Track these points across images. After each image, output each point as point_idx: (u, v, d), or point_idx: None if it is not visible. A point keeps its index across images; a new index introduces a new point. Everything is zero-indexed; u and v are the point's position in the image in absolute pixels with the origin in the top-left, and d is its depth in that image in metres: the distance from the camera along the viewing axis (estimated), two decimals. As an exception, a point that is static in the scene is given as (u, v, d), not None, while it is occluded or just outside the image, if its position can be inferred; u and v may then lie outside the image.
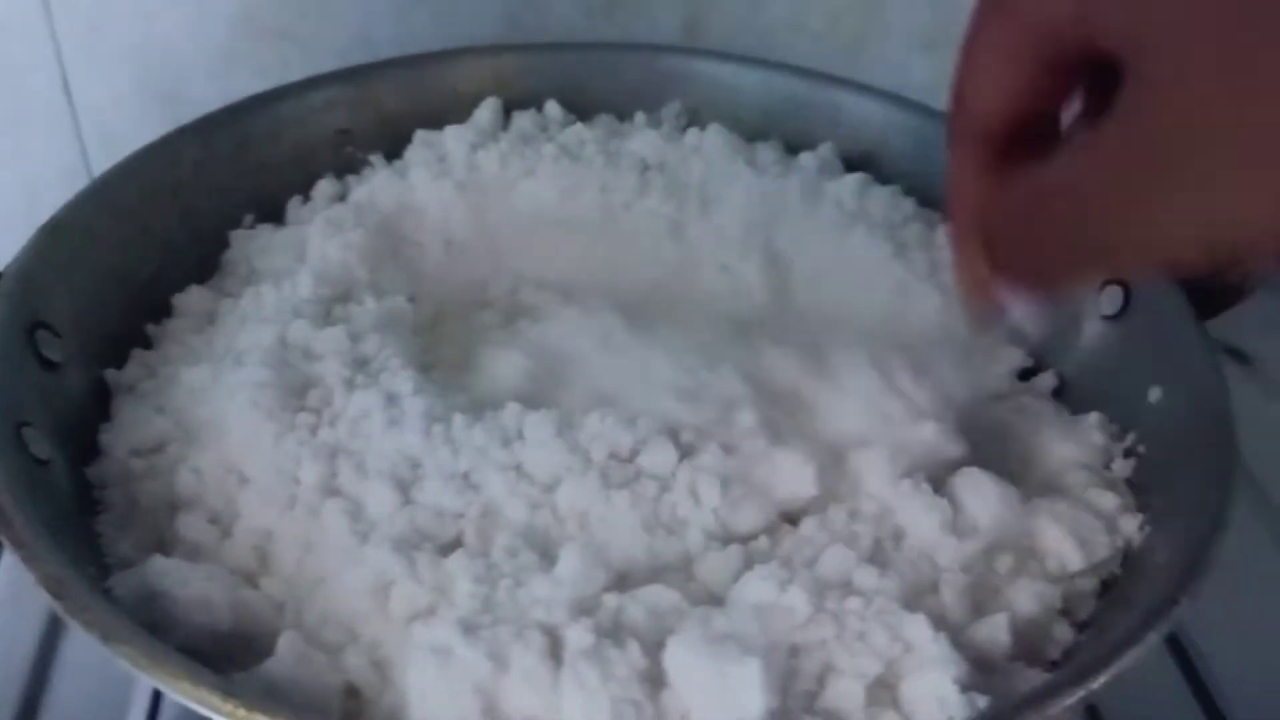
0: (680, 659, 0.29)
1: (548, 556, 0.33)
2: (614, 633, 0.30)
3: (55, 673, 0.47)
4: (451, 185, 0.50)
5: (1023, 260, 0.28)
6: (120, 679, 0.46)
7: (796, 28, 0.60)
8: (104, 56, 0.57)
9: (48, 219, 0.43)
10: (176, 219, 0.48)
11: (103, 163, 0.46)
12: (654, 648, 0.30)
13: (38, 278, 0.41)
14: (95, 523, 0.37)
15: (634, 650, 0.30)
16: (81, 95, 0.58)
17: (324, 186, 0.51)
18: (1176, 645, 0.45)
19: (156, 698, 0.46)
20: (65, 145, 0.59)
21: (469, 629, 0.30)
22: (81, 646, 0.48)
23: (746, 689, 0.29)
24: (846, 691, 0.30)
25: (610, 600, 0.31)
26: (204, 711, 0.27)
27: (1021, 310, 0.29)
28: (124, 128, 0.56)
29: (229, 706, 0.27)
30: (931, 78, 0.61)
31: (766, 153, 0.53)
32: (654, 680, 0.30)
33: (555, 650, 0.30)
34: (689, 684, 0.29)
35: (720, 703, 0.29)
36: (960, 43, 0.29)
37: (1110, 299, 0.45)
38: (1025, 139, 0.29)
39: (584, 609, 0.31)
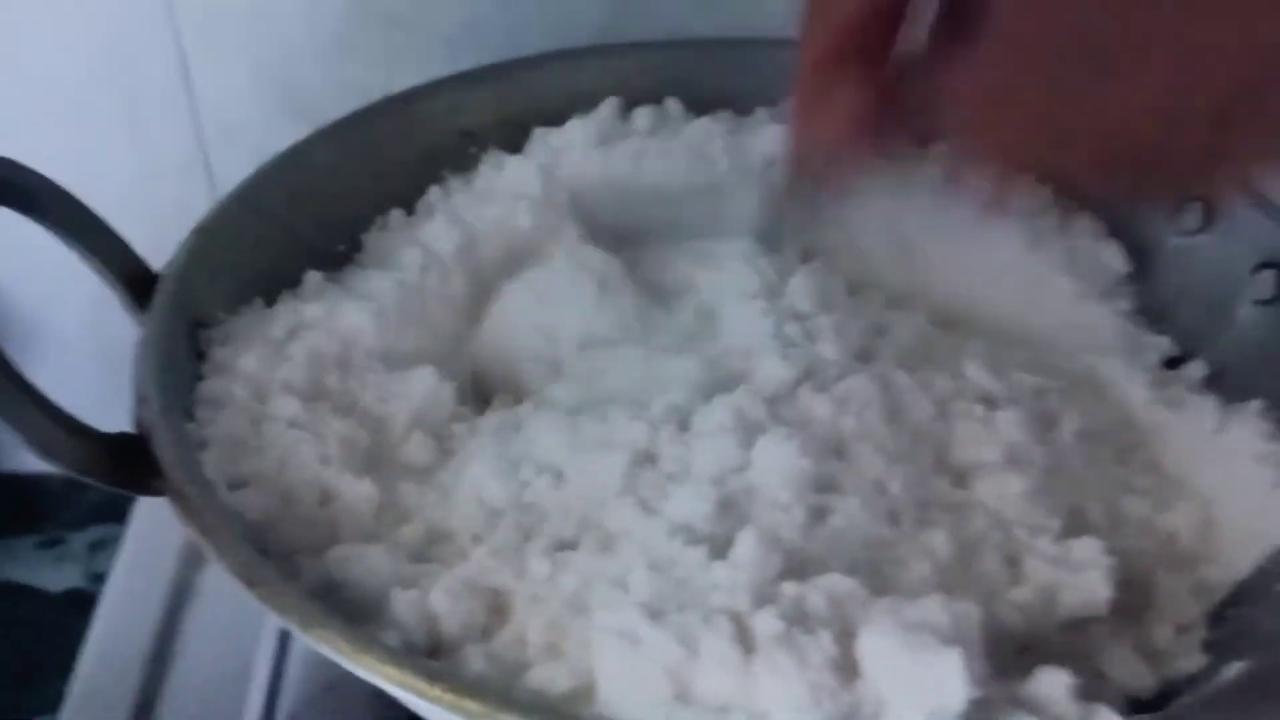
0: (875, 648, 0.29)
1: (718, 544, 0.33)
2: (801, 620, 0.30)
3: (189, 613, 0.49)
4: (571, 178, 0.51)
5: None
6: (247, 632, 0.48)
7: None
8: (222, 45, 0.58)
9: (198, 222, 0.43)
10: (314, 221, 0.48)
11: (220, 151, 0.47)
12: (841, 636, 0.30)
13: (194, 279, 0.41)
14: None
15: (825, 638, 0.29)
16: (200, 84, 0.59)
17: (452, 185, 0.52)
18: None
19: (284, 638, 0.48)
20: (182, 134, 0.60)
21: (654, 614, 0.30)
22: (209, 601, 0.51)
23: (948, 679, 0.28)
24: (1050, 682, 0.29)
25: (790, 589, 0.31)
26: (407, 696, 0.27)
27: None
28: (240, 116, 0.57)
29: (435, 691, 0.27)
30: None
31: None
32: (845, 669, 0.29)
33: (744, 636, 0.29)
34: (885, 674, 0.29)
35: (920, 693, 0.28)
36: None
37: (1263, 284, 0.44)
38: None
39: (764, 596, 0.31)
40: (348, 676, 0.31)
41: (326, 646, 0.28)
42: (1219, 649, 0.36)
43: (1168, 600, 0.38)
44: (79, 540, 0.70)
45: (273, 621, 0.48)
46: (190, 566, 0.53)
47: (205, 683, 0.48)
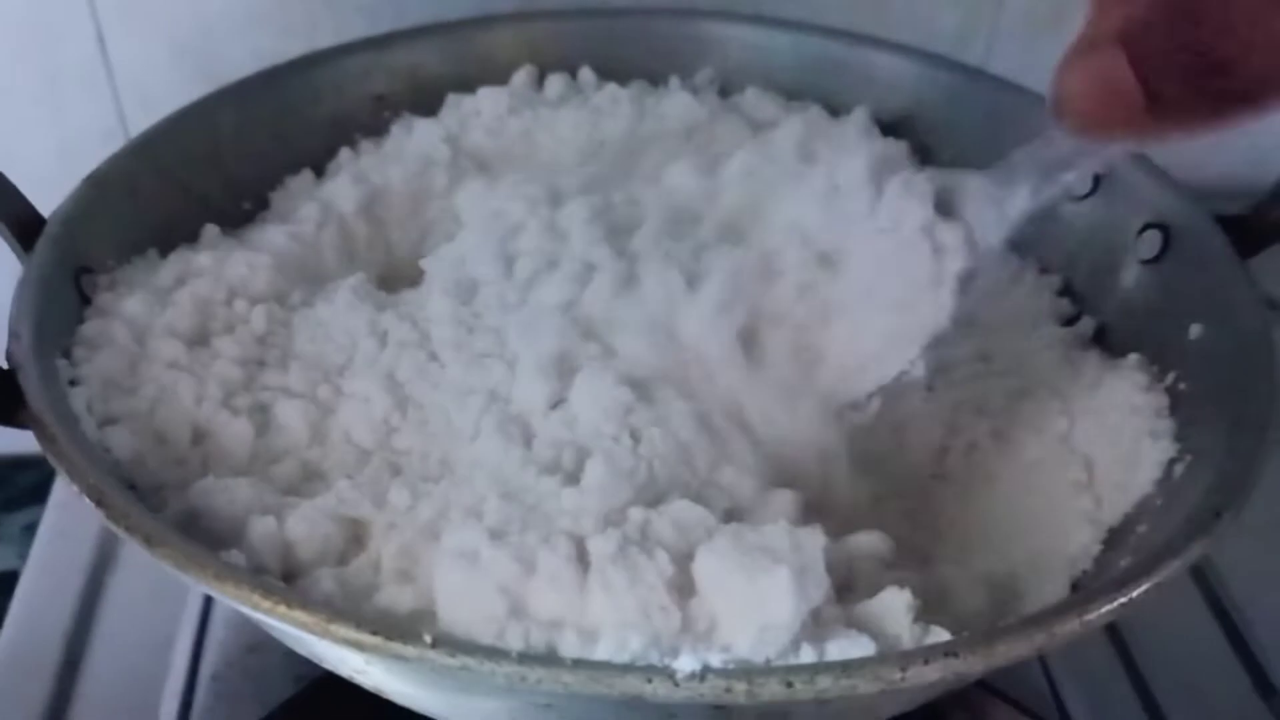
0: (710, 567, 0.30)
1: (570, 474, 0.33)
2: (641, 542, 0.30)
3: (101, 611, 0.50)
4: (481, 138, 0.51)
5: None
6: (171, 598, 0.50)
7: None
8: (139, 16, 0.59)
9: (91, 171, 0.43)
10: (217, 179, 0.48)
11: (140, 123, 0.47)
12: (682, 559, 0.30)
13: (81, 226, 0.41)
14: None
15: (662, 558, 0.30)
16: (117, 55, 0.59)
17: (363, 147, 0.52)
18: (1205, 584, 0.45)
19: (207, 603, 0.49)
20: (102, 106, 0.60)
21: (496, 535, 0.30)
22: (132, 569, 0.52)
23: (777, 597, 0.28)
24: (890, 603, 0.30)
25: (637, 514, 0.31)
26: (245, 609, 0.27)
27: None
28: (159, 88, 0.57)
29: (268, 604, 0.27)
30: (959, 29, 0.61)
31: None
32: (682, 589, 0.30)
33: (582, 556, 0.30)
34: (718, 591, 0.29)
35: (749, 610, 0.29)
36: None
37: (1149, 243, 0.45)
38: None
39: (611, 521, 0.31)
40: (268, 638, 0.32)
41: (169, 564, 0.28)
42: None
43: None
44: (13, 522, 0.70)
45: (191, 606, 0.50)
46: (113, 536, 0.53)
47: (129, 647, 0.49)
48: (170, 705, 0.46)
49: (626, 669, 0.26)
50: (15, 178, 0.41)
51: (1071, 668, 0.48)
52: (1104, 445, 0.41)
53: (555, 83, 0.55)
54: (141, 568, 0.52)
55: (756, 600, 0.28)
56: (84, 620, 0.50)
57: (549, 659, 0.27)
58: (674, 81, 0.56)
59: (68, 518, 0.55)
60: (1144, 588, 0.29)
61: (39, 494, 0.68)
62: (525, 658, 0.26)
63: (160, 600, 0.50)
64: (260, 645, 0.48)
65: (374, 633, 0.26)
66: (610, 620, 0.28)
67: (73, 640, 0.49)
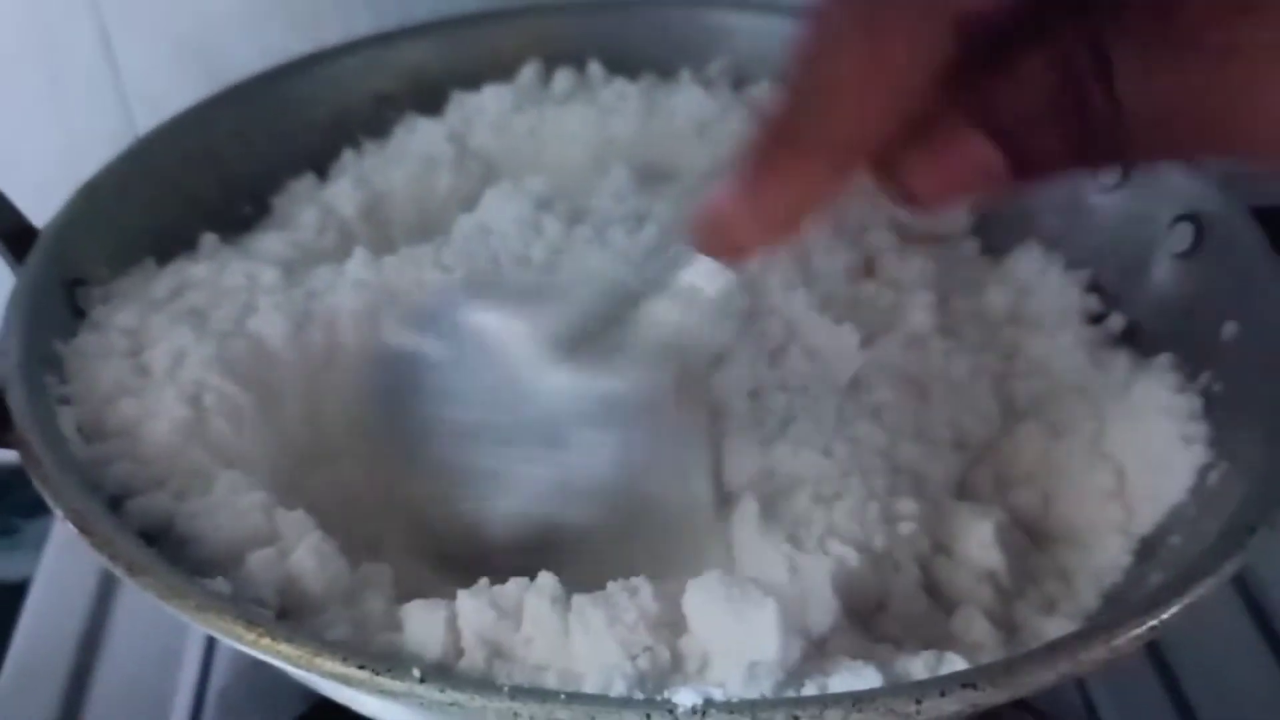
0: (698, 602, 0.28)
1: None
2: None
3: (111, 623, 0.49)
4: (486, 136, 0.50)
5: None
6: (175, 630, 0.48)
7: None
8: (143, 17, 0.58)
9: (85, 180, 0.42)
10: (216, 183, 0.47)
11: (147, 124, 0.46)
12: (673, 594, 0.29)
13: (75, 237, 0.40)
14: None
15: (645, 594, 0.28)
16: (123, 56, 0.59)
17: (366, 148, 0.51)
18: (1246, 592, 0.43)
19: (210, 647, 0.47)
20: (109, 107, 0.60)
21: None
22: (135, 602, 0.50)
23: (765, 632, 0.27)
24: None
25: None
26: (229, 641, 0.26)
27: None
28: (165, 87, 0.57)
29: (252, 636, 0.26)
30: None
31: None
32: (673, 626, 0.28)
33: (565, 596, 0.29)
34: (707, 628, 0.28)
35: (738, 645, 0.27)
36: None
37: (1180, 236, 0.43)
38: None
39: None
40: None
41: (151, 593, 0.28)
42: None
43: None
44: (32, 529, 0.70)
45: (195, 637, 0.49)
46: (110, 585, 0.52)
47: (138, 660, 0.48)
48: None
49: (624, 703, 0.25)
50: (20, 183, 0.40)
51: (1106, 680, 0.47)
52: (1135, 450, 0.39)
53: (562, 78, 0.53)
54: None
55: (744, 636, 0.27)
56: (93, 632, 0.50)
57: (542, 693, 0.26)
58: (685, 74, 0.54)
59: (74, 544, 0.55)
60: (1174, 609, 0.27)
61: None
62: (518, 692, 0.25)
63: (169, 614, 0.50)
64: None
65: (360, 667, 0.25)
66: (592, 663, 0.27)
67: (81, 653, 0.49)
